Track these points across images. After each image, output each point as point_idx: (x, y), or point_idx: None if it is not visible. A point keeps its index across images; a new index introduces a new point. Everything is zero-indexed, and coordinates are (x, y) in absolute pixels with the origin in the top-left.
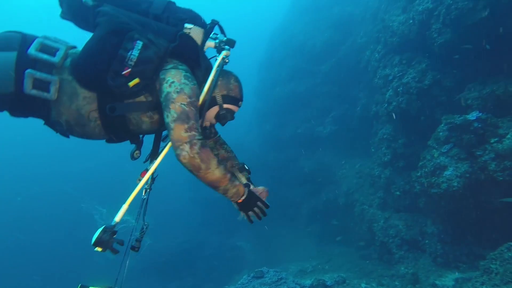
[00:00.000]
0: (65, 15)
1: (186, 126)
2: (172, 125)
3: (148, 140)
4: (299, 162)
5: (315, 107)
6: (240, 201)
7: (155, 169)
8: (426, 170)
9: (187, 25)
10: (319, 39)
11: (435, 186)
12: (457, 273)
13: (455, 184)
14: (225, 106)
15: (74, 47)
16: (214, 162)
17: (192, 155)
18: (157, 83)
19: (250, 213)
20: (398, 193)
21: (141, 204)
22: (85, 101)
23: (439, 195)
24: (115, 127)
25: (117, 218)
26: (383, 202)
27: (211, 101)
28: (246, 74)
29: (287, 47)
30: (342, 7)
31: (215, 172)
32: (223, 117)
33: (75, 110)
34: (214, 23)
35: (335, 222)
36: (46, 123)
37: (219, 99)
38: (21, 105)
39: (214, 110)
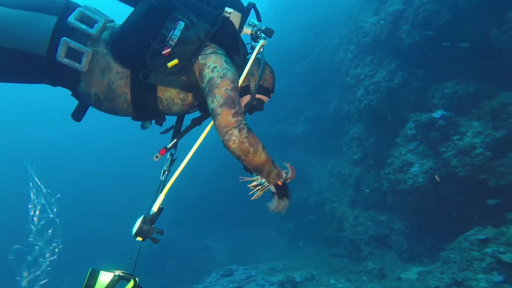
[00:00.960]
0: None
1: (233, 111)
2: (218, 110)
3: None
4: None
5: (289, 107)
6: (280, 183)
7: (175, 147)
8: (394, 167)
9: (227, 9)
10: (294, 39)
11: (402, 183)
12: (420, 267)
13: (421, 180)
14: (257, 96)
15: (112, 21)
16: (260, 145)
17: (241, 140)
18: (196, 67)
19: (284, 200)
20: (367, 190)
21: (158, 187)
22: (118, 76)
23: (405, 191)
24: (145, 106)
25: (155, 207)
26: (353, 200)
27: (244, 89)
28: None
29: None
30: (318, 9)
31: (262, 155)
32: (253, 107)
33: (106, 83)
34: (251, 5)
35: (312, 216)
36: (73, 94)
37: (252, 88)
38: (51, 71)
39: (246, 99)
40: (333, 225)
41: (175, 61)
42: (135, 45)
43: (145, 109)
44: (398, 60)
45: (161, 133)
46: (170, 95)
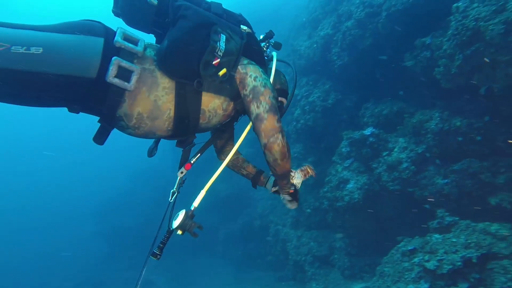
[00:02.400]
0: (119, 11)
1: (277, 117)
2: (265, 115)
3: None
4: (216, 186)
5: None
6: (292, 191)
7: (198, 159)
8: (332, 185)
9: (242, 27)
10: None
11: (339, 200)
12: (361, 283)
13: (356, 196)
14: (280, 99)
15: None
16: (290, 152)
17: (283, 144)
18: (237, 76)
19: (294, 202)
20: (309, 210)
21: (166, 208)
22: (164, 92)
23: (343, 208)
24: (187, 121)
25: (195, 203)
26: (295, 221)
27: None
28: None
29: None
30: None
31: (290, 160)
32: (280, 109)
33: (152, 100)
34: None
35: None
36: (104, 119)
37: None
38: (94, 94)
39: None
40: (277, 248)
41: (224, 70)
42: (187, 58)
43: (186, 124)
44: (331, 81)
45: (184, 148)
46: (214, 106)
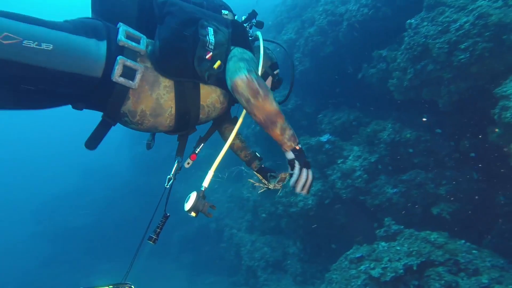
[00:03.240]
0: (98, 16)
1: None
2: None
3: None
4: (172, 187)
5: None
6: (298, 147)
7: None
8: (287, 190)
9: (224, 12)
10: None
11: (293, 205)
12: None
13: (310, 202)
14: (275, 72)
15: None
16: (271, 94)
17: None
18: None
19: (307, 170)
20: (264, 215)
21: (162, 194)
22: (165, 90)
23: (297, 214)
24: (187, 117)
25: (205, 183)
26: (250, 225)
27: (264, 74)
28: None
29: None
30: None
31: (273, 103)
32: (279, 82)
33: (154, 98)
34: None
35: (212, 244)
36: (108, 115)
37: (268, 69)
38: (100, 92)
39: (269, 81)
40: (231, 252)
41: (219, 62)
42: (181, 57)
43: (186, 120)
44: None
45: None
46: (212, 101)
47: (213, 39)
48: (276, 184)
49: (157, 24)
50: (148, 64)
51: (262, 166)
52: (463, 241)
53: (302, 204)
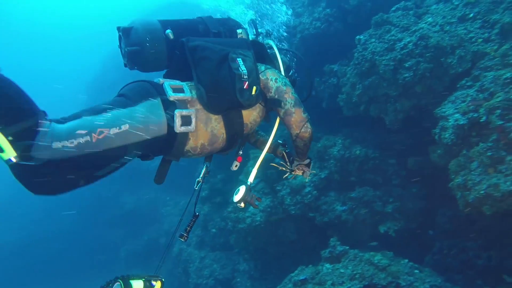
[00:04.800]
0: (134, 65)
1: (302, 108)
2: (293, 109)
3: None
4: (121, 198)
5: None
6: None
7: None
8: (235, 206)
9: (238, 31)
10: None
11: (241, 222)
12: None
13: (258, 218)
14: (290, 73)
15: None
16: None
17: (312, 130)
18: (261, 84)
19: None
20: (214, 230)
21: (191, 195)
22: (216, 122)
23: (245, 230)
24: (236, 137)
25: (250, 179)
26: (200, 241)
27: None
28: (71, 92)
29: (120, 71)
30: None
31: (312, 131)
32: (294, 82)
33: (210, 132)
34: (252, 23)
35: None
36: (169, 156)
37: (285, 73)
38: (166, 144)
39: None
40: (179, 269)
41: (255, 88)
42: (225, 96)
43: (235, 139)
44: None
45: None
46: (253, 118)
47: (245, 69)
48: (303, 174)
49: (192, 67)
50: (198, 106)
51: (286, 151)
52: (406, 260)
53: (250, 221)
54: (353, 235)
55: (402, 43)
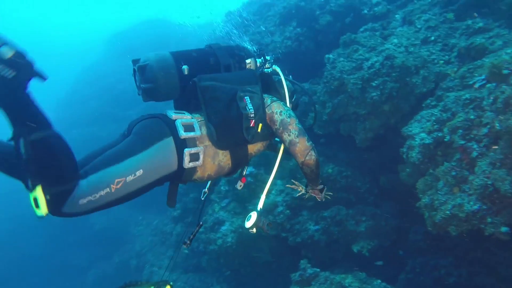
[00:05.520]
0: (151, 98)
1: (306, 137)
2: (297, 139)
3: None
4: (90, 218)
5: None
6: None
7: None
8: (207, 225)
9: (247, 61)
10: (131, 84)
11: (212, 243)
12: None
13: (229, 239)
14: (293, 99)
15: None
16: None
17: (316, 157)
18: (266, 118)
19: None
20: (186, 251)
21: (197, 206)
22: (223, 155)
23: (216, 252)
24: (240, 166)
25: (260, 205)
26: (173, 262)
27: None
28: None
29: (94, 86)
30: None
31: (319, 166)
32: (296, 106)
33: (217, 165)
34: (261, 51)
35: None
36: (178, 181)
37: (289, 99)
38: (176, 177)
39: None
40: None
41: (260, 125)
42: (233, 134)
43: (240, 166)
44: None
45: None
46: (258, 148)
47: (252, 107)
48: (316, 196)
49: (203, 106)
50: (207, 143)
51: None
52: (379, 281)
53: (221, 242)
54: (327, 255)
55: (370, 62)
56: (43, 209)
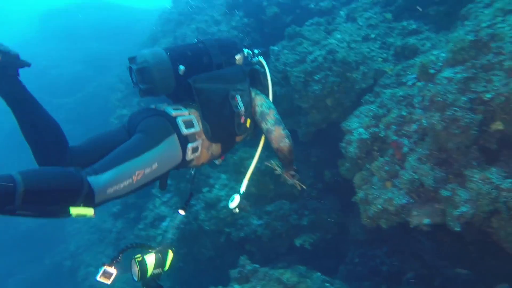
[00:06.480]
0: (148, 95)
1: (282, 126)
2: (273, 128)
3: None
4: (15, 218)
5: None
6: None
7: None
8: (147, 221)
9: (236, 57)
10: (68, 70)
11: (151, 240)
12: None
13: (170, 236)
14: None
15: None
16: (293, 146)
17: (290, 144)
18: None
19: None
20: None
21: (189, 179)
22: (216, 146)
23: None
24: (228, 150)
25: (243, 188)
26: (112, 261)
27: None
28: None
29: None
30: (101, 45)
31: (293, 152)
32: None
33: (210, 154)
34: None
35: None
36: (175, 169)
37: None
38: (179, 167)
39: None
40: None
41: (249, 121)
42: (226, 130)
43: (226, 153)
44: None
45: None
46: (244, 137)
47: (242, 105)
48: (289, 178)
49: (198, 105)
50: (203, 137)
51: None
52: (318, 274)
53: (161, 239)
54: (271, 250)
55: (313, 56)
56: (88, 213)
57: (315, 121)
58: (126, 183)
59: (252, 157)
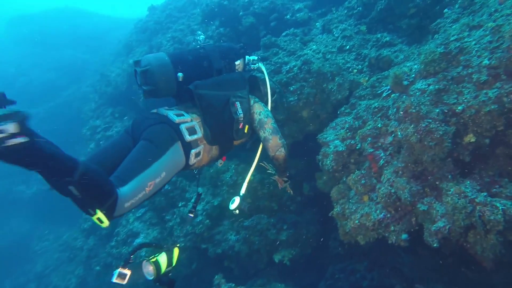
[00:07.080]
0: (152, 96)
1: (279, 135)
2: (270, 136)
3: None
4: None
5: None
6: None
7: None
8: (119, 238)
9: (236, 63)
10: (38, 77)
11: (124, 257)
12: None
13: (143, 254)
14: (273, 98)
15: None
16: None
17: (285, 153)
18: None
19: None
20: (98, 268)
21: (195, 179)
22: (215, 150)
23: None
24: (226, 153)
25: (243, 190)
26: (81, 282)
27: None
28: None
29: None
30: (75, 52)
31: (287, 161)
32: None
33: (210, 157)
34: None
35: None
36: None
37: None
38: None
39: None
40: None
41: (247, 127)
42: (226, 136)
43: (226, 153)
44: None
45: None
46: (241, 140)
47: (241, 112)
48: (279, 183)
49: (199, 110)
50: (204, 141)
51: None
52: None
53: (134, 257)
54: (249, 265)
55: (288, 66)
56: (106, 222)
57: (292, 132)
58: (140, 195)
59: (229, 169)
